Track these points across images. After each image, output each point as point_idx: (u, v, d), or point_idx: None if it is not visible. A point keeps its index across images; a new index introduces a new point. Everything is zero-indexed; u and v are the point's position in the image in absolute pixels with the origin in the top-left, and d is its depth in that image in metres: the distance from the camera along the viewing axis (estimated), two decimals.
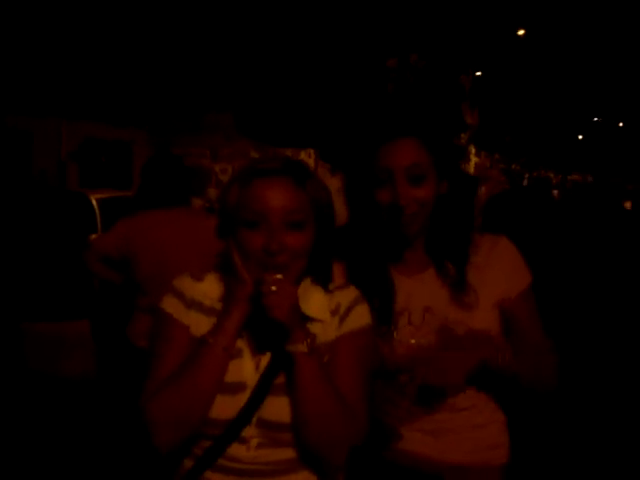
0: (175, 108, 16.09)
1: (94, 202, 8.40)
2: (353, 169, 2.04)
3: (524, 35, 18.73)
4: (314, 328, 1.77)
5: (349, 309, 1.81)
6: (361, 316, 1.82)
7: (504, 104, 22.21)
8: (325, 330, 1.79)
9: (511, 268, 2.02)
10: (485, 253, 2.02)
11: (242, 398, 1.70)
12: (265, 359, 1.74)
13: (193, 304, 1.79)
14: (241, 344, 1.75)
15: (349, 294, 1.85)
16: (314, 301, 1.81)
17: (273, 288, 1.63)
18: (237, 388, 1.71)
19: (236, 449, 1.71)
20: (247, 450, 1.70)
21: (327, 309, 1.81)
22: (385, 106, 2.07)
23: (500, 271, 2.00)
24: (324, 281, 1.86)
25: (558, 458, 3.58)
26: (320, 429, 1.67)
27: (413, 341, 1.96)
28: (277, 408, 1.69)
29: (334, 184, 2.60)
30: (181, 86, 15.73)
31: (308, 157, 17.10)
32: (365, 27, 13.90)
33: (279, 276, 1.65)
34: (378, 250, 2.03)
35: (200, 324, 1.75)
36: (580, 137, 29.46)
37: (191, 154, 13.64)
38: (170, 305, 1.79)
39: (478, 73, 19.26)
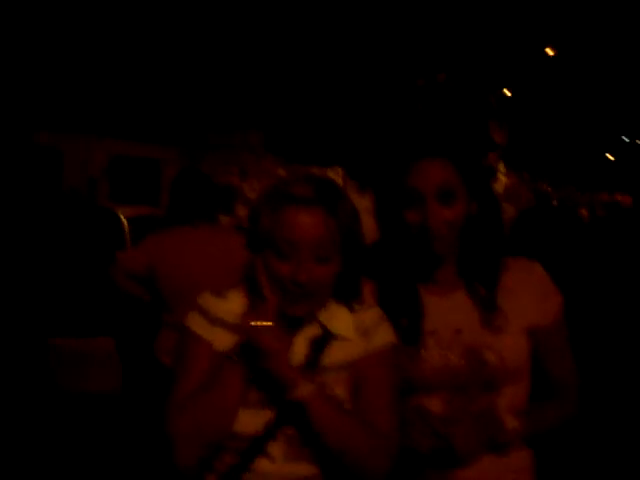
0: (204, 126, 16.20)
1: (123, 219, 8.44)
2: (382, 189, 2.04)
3: (554, 54, 18.71)
4: (340, 346, 1.79)
5: (375, 327, 1.84)
6: (387, 334, 1.85)
7: (534, 123, 22.12)
8: (351, 349, 1.81)
9: (543, 295, 2.01)
10: (517, 277, 2.02)
11: (268, 413, 1.72)
12: None
13: (217, 321, 1.82)
14: None
15: (374, 313, 1.88)
16: (340, 319, 1.84)
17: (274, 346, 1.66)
18: (263, 403, 1.73)
19: (261, 463, 1.73)
20: (272, 464, 1.73)
21: (353, 328, 1.83)
22: (413, 126, 2.08)
23: (532, 297, 1.99)
24: (348, 299, 1.88)
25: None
26: (349, 463, 1.69)
27: (441, 362, 1.94)
28: (303, 422, 1.70)
29: (362, 203, 2.58)
30: (210, 104, 15.84)
31: (336, 175, 17.07)
32: (394, 46, 13.94)
33: (268, 323, 1.66)
34: (408, 269, 2.03)
35: (224, 340, 1.78)
36: (610, 157, 29.28)
37: (219, 172, 13.71)
38: (194, 322, 1.82)
39: (508, 92, 19.21)
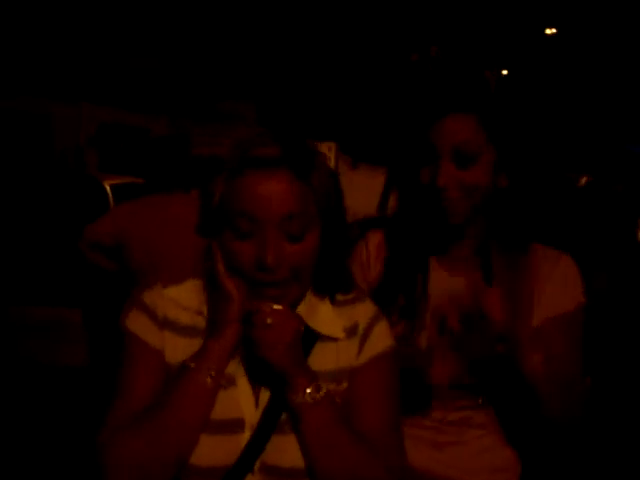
0: (194, 96, 16.01)
1: (107, 187, 8.28)
2: (401, 148, 1.78)
3: (553, 34, 18.55)
4: (327, 348, 1.46)
5: (369, 329, 1.49)
6: (384, 337, 1.51)
7: (530, 103, 22.02)
8: (340, 352, 1.46)
9: (561, 288, 1.74)
10: (542, 266, 1.76)
11: (240, 439, 1.37)
12: (266, 390, 1.42)
13: (166, 323, 1.43)
14: (235, 371, 1.42)
15: (367, 310, 1.52)
16: (322, 315, 1.48)
17: (269, 321, 1.32)
18: (233, 427, 1.38)
19: None
20: None
21: (340, 325, 1.48)
22: (438, 80, 1.80)
23: (551, 288, 1.73)
24: (331, 290, 1.52)
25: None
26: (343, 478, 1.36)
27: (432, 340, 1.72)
28: (284, 450, 1.37)
29: (355, 178, 2.46)
30: (201, 74, 15.64)
31: (328, 150, 16.93)
32: (388, 20, 13.79)
33: (278, 307, 1.34)
34: (422, 239, 1.78)
35: (176, 347, 1.42)
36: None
37: (209, 143, 13.54)
38: (138, 324, 1.43)
39: (505, 72, 19.05)
